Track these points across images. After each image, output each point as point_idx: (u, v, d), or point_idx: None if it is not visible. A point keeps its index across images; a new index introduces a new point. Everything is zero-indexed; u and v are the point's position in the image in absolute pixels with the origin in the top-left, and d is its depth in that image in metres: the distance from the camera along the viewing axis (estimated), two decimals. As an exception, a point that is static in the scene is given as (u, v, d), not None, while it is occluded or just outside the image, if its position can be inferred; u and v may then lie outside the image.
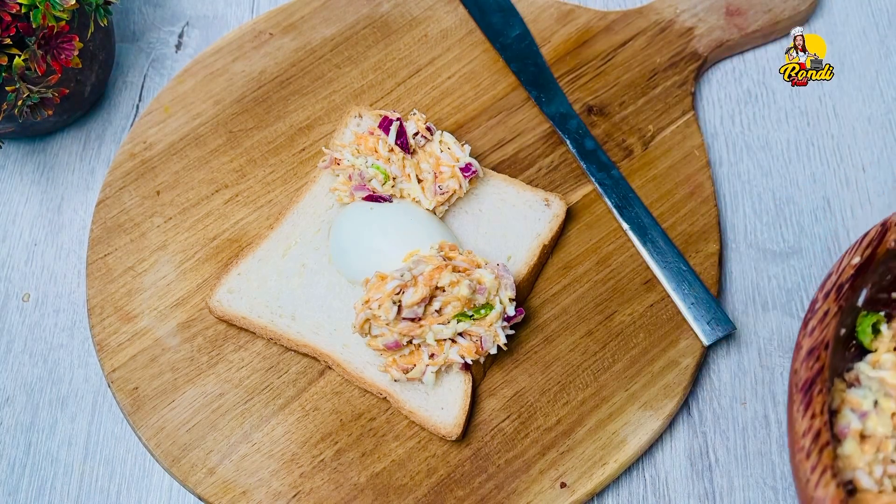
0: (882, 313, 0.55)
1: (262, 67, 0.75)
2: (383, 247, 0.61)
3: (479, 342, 0.59)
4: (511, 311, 0.60)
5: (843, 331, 0.52)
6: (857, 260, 0.51)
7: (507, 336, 0.61)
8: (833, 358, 0.50)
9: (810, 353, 0.49)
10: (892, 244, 0.52)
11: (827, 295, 0.51)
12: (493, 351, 0.60)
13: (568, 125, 0.70)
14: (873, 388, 0.52)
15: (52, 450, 0.64)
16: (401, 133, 0.66)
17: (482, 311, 0.60)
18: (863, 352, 0.55)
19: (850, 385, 0.53)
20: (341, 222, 0.64)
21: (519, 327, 0.63)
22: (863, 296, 0.53)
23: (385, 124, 0.66)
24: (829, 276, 0.51)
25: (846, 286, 0.51)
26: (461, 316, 0.59)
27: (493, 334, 0.60)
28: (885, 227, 0.52)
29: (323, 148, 0.69)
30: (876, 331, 0.54)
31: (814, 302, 0.51)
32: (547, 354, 0.63)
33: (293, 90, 0.74)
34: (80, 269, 0.70)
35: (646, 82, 0.73)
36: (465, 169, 0.65)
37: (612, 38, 0.75)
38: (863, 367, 0.53)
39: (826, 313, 0.50)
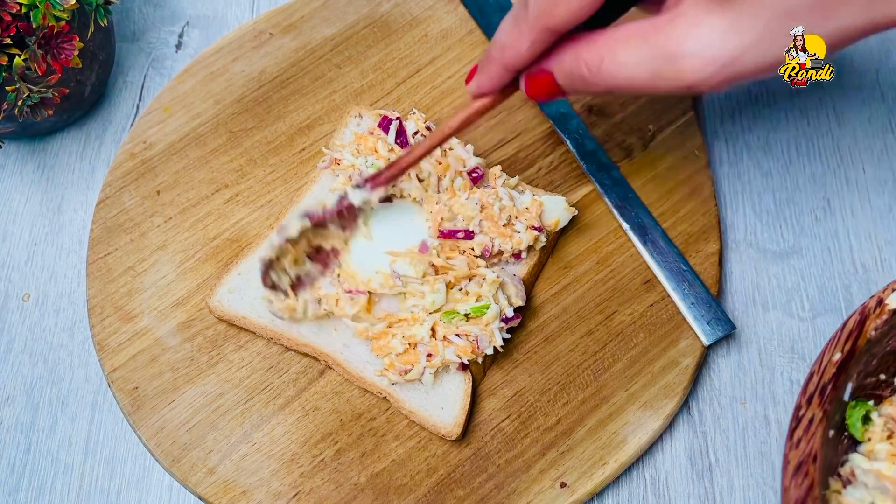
0: (871, 402, 0.52)
1: (262, 67, 0.75)
2: (382, 246, 0.61)
3: (475, 342, 0.59)
4: (510, 313, 0.60)
5: (831, 432, 0.49)
6: (837, 356, 0.48)
7: (506, 338, 0.61)
8: (825, 455, 0.48)
9: (798, 468, 0.46)
10: (873, 333, 0.49)
11: (810, 399, 0.47)
12: (489, 352, 0.60)
13: (568, 125, 0.70)
14: (870, 485, 0.49)
15: (52, 449, 0.64)
16: (400, 132, 0.66)
17: (479, 310, 0.60)
18: (855, 441, 0.52)
19: (845, 483, 0.50)
20: None
21: (519, 327, 0.63)
22: (848, 389, 0.50)
23: (385, 124, 0.66)
24: (811, 376, 0.48)
25: (829, 387, 0.47)
26: (454, 313, 0.60)
27: (489, 335, 0.60)
28: (863, 317, 0.49)
29: (323, 148, 0.69)
30: (867, 420, 0.51)
31: (797, 408, 0.48)
32: (547, 354, 0.63)
33: (293, 90, 0.74)
34: (81, 269, 0.70)
35: (646, 82, 0.73)
36: (472, 172, 0.65)
37: (612, 37, 0.75)
38: (857, 460, 0.50)
39: (811, 421, 0.47)
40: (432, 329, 0.60)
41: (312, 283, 0.61)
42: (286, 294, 0.60)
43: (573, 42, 0.48)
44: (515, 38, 0.48)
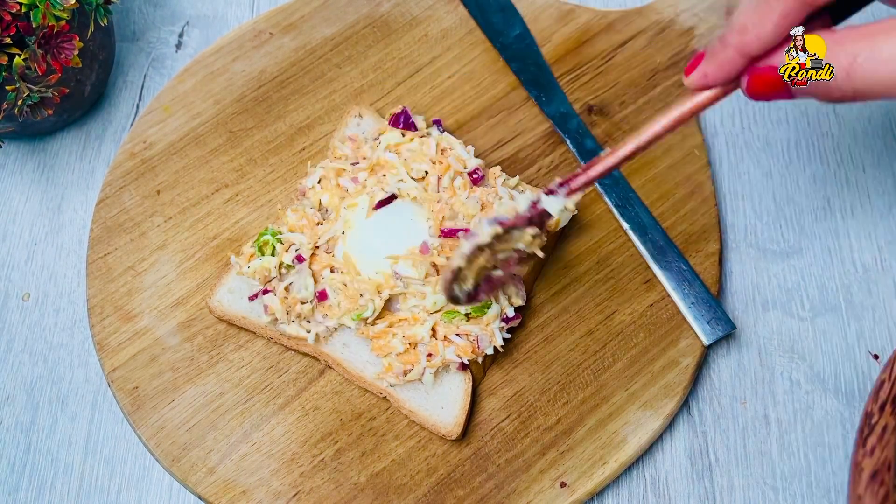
0: None
1: (263, 67, 0.75)
2: (383, 247, 0.61)
3: (475, 342, 0.59)
4: (510, 313, 0.60)
5: None
6: None
7: (506, 338, 0.61)
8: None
9: (874, 477, 0.44)
10: None
11: (882, 407, 0.45)
12: (490, 351, 0.60)
13: (568, 125, 0.70)
14: None
15: (52, 449, 0.64)
16: (407, 118, 0.67)
17: (480, 309, 0.60)
18: None
19: None
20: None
21: (519, 327, 0.63)
22: None
23: (395, 121, 0.67)
24: (881, 384, 0.45)
25: None
26: (455, 313, 0.60)
27: (489, 335, 0.60)
28: None
29: (301, 180, 0.68)
30: None
31: (868, 415, 0.46)
32: (547, 354, 0.63)
33: (293, 90, 0.74)
34: (81, 269, 0.70)
35: (646, 82, 0.73)
36: (472, 173, 0.65)
37: (612, 37, 0.75)
38: None
39: (885, 429, 0.45)
40: (433, 329, 0.60)
41: (492, 289, 0.56)
42: (463, 303, 0.56)
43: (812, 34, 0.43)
44: (760, 16, 0.42)
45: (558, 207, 0.53)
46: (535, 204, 0.53)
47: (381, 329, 0.60)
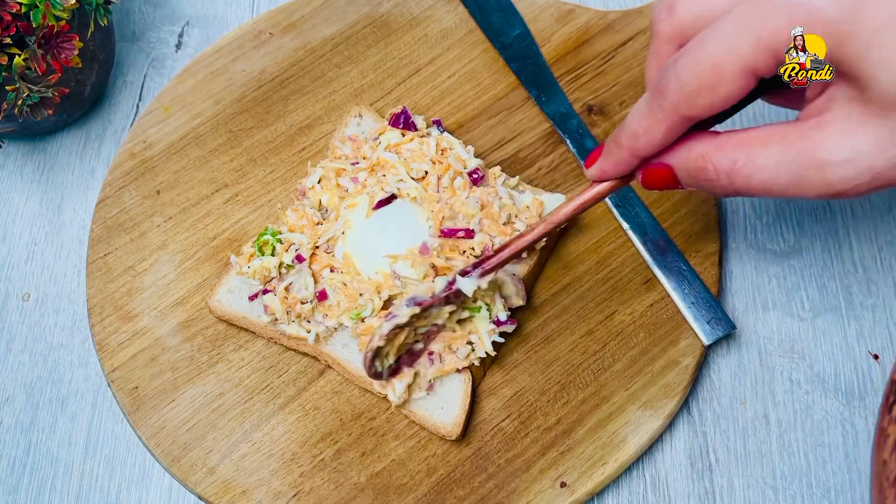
0: None
1: (263, 67, 0.75)
2: (383, 246, 0.61)
3: (460, 349, 0.60)
4: (502, 317, 0.60)
5: None
6: None
7: (499, 342, 0.61)
8: None
9: None
10: None
11: None
12: (482, 355, 0.60)
13: (568, 125, 0.70)
14: None
15: (52, 449, 0.64)
16: (406, 117, 0.67)
17: (475, 309, 0.60)
18: None
19: None
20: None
21: (519, 327, 0.63)
22: None
23: (395, 121, 0.67)
24: None
25: None
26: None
27: (479, 341, 0.60)
28: None
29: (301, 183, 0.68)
30: None
31: (893, 382, 0.46)
32: (547, 354, 0.63)
33: (293, 90, 0.74)
34: (80, 269, 0.70)
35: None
36: (472, 173, 0.65)
37: (612, 37, 0.75)
38: None
39: None
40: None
41: (413, 363, 0.60)
42: (385, 378, 0.59)
43: (697, 139, 0.46)
44: (649, 125, 0.46)
45: (472, 288, 0.57)
46: (450, 284, 0.57)
47: (368, 325, 0.60)
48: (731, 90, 0.42)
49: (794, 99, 0.48)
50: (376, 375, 0.58)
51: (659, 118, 0.45)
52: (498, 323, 0.60)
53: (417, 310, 0.57)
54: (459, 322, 0.60)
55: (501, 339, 0.61)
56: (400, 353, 0.59)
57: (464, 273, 0.57)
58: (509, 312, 0.61)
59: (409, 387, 0.60)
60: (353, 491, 0.59)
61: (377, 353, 0.57)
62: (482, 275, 0.57)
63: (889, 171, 0.41)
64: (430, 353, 0.60)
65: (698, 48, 0.43)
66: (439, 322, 0.59)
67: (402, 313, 0.56)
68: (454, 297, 0.58)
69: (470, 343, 0.60)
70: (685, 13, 0.46)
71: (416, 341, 0.59)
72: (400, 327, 0.57)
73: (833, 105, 0.42)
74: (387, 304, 0.61)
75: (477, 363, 0.60)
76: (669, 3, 0.47)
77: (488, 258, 0.57)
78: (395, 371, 0.59)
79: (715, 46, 0.42)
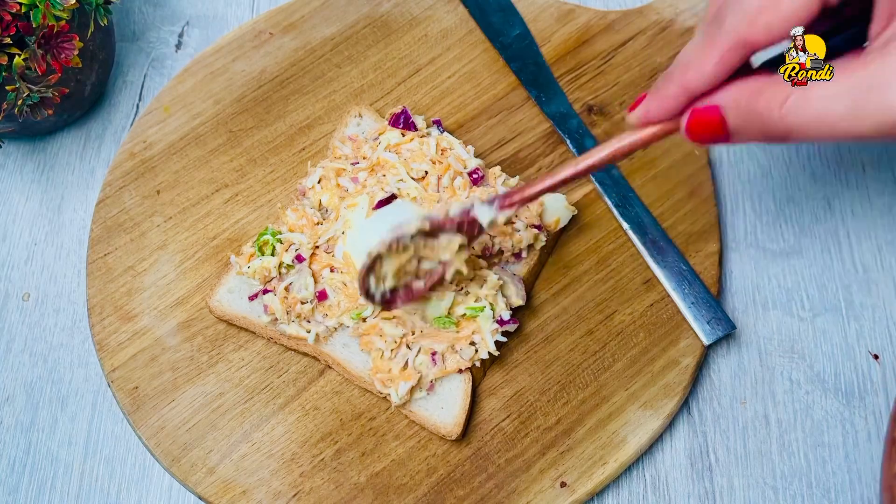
0: None
1: (263, 67, 0.75)
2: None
3: (463, 351, 0.60)
4: (505, 316, 0.60)
5: None
6: None
7: (501, 341, 0.61)
8: None
9: None
10: None
11: None
12: (484, 356, 0.60)
13: (568, 125, 0.70)
14: None
15: (52, 449, 0.64)
16: (406, 117, 0.67)
17: (477, 309, 0.60)
18: None
19: None
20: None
21: (519, 327, 0.63)
22: None
23: (395, 121, 0.67)
24: None
25: None
26: (446, 320, 0.60)
27: (481, 340, 0.60)
28: None
29: (299, 183, 0.68)
30: None
31: None
32: (547, 354, 0.63)
33: (293, 90, 0.74)
34: (81, 269, 0.70)
35: (646, 82, 0.73)
36: (472, 173, 0.65)
37: (612, 37, 0.75)
38: None
39: None
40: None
41: (410, 299, 0.56)
42: (376, 303, 0.56)
43: (750, 78, 0.44)
44: (702, 53, 0.43)
45: (488, 217, 0.53)
46: (467, 211, 0.53)
47: (370, 325, 0.60)
48: (794, 8, 0.41)
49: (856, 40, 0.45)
50: (368, 296, 0.55)
51: (715, 44, 0.43)
52: (501, 322, 0.60)
53: (427, 225, 0.53)
54: (464, 318, 0.60)
55: (504, 339, 0.61)
56: (398, 282, 0.55)
57: (486, 202, 0.53)
58: (511, 311, 0.61)
59: (412, 389, 0.60)
60: (353, 491, 0.59)
61: (374, 266, 0.53)
62: (502, 208, 0.53)
63: None
64: (434, 354, 0.60)
65: None
66: (445, 258, 0.55)
67: (412, 224, 0.53)
68: (468, 227, 0.53)
69: (473, 343, 0.60)
70: None
71: (417, 277, 0.56)
72: (405, 246, 0.53)
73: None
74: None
75: (478, 364, 0.60)
76: None
77: (511, 193, 0.53)
78: (387, 302, 0.56)
79: None
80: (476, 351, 0.60)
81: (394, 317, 0.60)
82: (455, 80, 0.74)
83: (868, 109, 0.39)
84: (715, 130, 0.45)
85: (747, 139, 0.45)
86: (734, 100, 0.43)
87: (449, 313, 0.60)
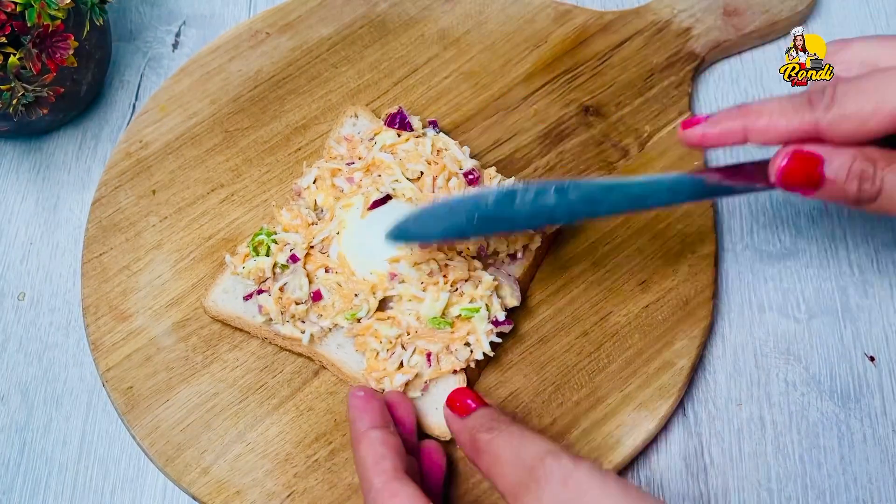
0: None
1: (259, 67, 0.74)
2: (377, 247, 0.61)
3: (458, 352, 0.60)
4: (501, 317, 0.60)
5: None
6: None
7: (496, 342, 0.61)
8: None
9: None
10: None
11: None
12: (479, 357, 0.60)
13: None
14: None
15: (46, 449, 0.64)
16: (402, 117, 0.67)
17: (471, 310, 0.59)
18: None
19: None
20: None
21: (514, 328, 0.63)
22: None
23: (391, 121, 0.67)
24: None
25: None
26: (442, 321, 0.59)
27: (476, 341, 0.60)
28: None
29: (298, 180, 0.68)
30: None
31: None
32: (542, 355, 0.63)
33: (289, 90, 0.74)
34: (76, 269, 0.70)
35: (643, 83, 0.73)
36: (468, 174, 0.64)
37: (609, 38, 0.75)
38: None
39: None
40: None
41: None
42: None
43: (858, 148, 0.46)
44: (782, 116, 0.47)
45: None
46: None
47: (365, 325, 0.60)
48: (877, 131, 0.45)
49: None
50: None
51: (795, 117, 0.46)
52: (496, 323, 0.60)
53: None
54: (459, 319, 0.60)
55: (499, 340, 0.61)
56: None
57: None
58: (507, 312, 0.61)
59: (407, 385, 0.59)
60: (347, 491, 0.59)
61: None
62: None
63: None
64: (429, 354, 0.60)
65: (871, 87, 0.45)
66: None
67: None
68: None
69: (468, 344, 0.60)
70: (858, 50, 0.49)
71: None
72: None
73: None
74: (382, 304, 0.61)
75: (473, 365, 0.60)
76: (844, 40, 0.50)
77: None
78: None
79: (886, 92, 0.44)
80: (471, 352, 0.60)
81: (388, 318, 0.60)
82: (451, 81, 0.74)
83: None
84: (812, 181, 0.47)
85: (832, 198, 0.48)
86: (837, 157, 0.46)
87: (444, 314, 0.60)
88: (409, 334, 0.60)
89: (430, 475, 0.57)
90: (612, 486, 0.45)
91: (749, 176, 0.50)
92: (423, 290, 0.60)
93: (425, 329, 0.60)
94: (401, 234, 0.58)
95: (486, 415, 0.53)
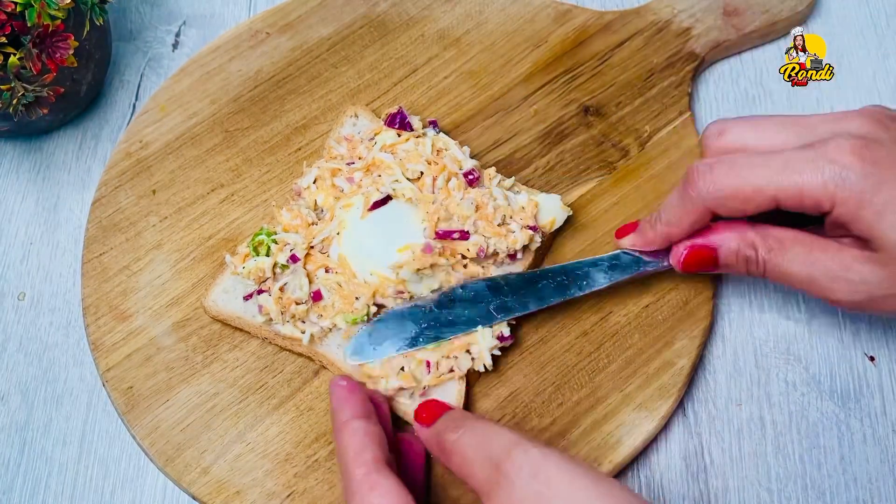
0: None
1: (259, 67, 0.74)
2: (377, 247, 0.61)
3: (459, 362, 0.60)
4: (506, 332, 0.61)
5: None
6: None
7: (500, 353, 0.61)
8: None
9: None
10: None
11: None
12: (480, 369, 0.60)
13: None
14: None
15: (46, 449, 0.64)
16: (402, 117, 0.67)
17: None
18: None
19: None
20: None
21: (514, 327, 0.63)
22: None
23: (391, 121, 0.67)
24: None
25: None
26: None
27: (479, 350, 0.60)
28: None
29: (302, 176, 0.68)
30: None
31: None
32: (542, 355, 0.63)
33: (289, 89, 0.73)
34: (76, 268, 0.70)
35: (643, 83, 0.73)
36: (468, 174, 0.65)
37: (609, 38, 0.75)
38: None
39: None
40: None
41: None
42: None
43: (736, 226, 0.55)
44: (679, 217, 0.56)
45: None
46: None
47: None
48: (758, 208, 0.53)
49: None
50: None
51: (688, 209, 0.55)
52: (501, 338, 0.60)
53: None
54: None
55: (500, 353, 0.61)
56: None
57: None
58: (513, 324, 0.61)
59: (401, 389, 0.59)
60: (347, 491, 0.59)
61: None
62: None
63: (882, 301, 0.51)
64: (428, 363, 0.60)
65: (746, 169, 0.52)
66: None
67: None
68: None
69: (468, 352, 0.60)
70: (733, 139, 0.56)
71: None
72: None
73: (848, 243, 0.53)
74: (381, 307, 0.61)
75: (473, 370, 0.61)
76: (720, 128, 0.57)
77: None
78: None
79: (761, 175, 0.52)
80: (472, 360, 0.60)
81: None
82: (451, 81, 0.74)
83: (819, 285, 0.53)
84: (708, 264, 0.57)
85: (735, 273, 0.57)
86: (726, 242, 0.56)
87: None
88: None
89: (411, 465, 0.57)
90: (582, 476, 0.46)
91: (657, 255, 0.61)
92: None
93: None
94: (358, 352, 0.60)
95: (451, 416, 0.54)
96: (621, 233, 0.62)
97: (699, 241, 0.57)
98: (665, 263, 0.60)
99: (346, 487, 0.50)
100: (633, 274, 0.61)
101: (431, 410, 0.55)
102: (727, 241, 0.55)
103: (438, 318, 0.60)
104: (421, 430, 0.55)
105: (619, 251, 0.62)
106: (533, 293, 0.61)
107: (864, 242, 0.51)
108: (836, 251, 0.52)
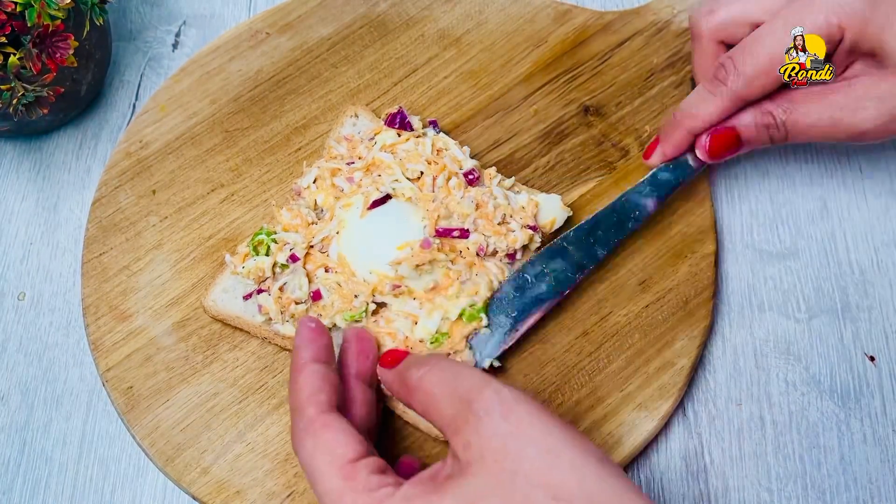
0: None
1: (259, 67, 0.74)
2: (377, 247, 0.61)
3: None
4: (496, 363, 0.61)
5: None
6: None
7: (500, 364, 0.61)
8: None
9: None
10: None
11: None
12: (485, 366, 0.60)
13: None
14: None
15: (46, 449, 0.64)
16: (402, 117, 0.67)
17: (472, 316, 0.60)
18: None
19: None
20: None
21: (514, 328, 0.63)
22: None
23: (391, 120, 0.67)
24: None
25: None
26: (444, 336, 0.60)
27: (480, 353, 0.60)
28: None
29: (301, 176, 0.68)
30: None
31: None
32: (542, 355, 0.63)
33: (289, 89, 0.74)
34: (76, 268, 0.70)
35: (643, 83, 0.73)
36: (468, 174, 0.65)
37: (609, 38, 0.75)
38: None
39: None
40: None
41: None
42: None
43: (754, 105, 0.59)
44: (710, 107, 0.59)
45: None
46: None
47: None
48: (778, 79, 0.56)
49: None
50: None
51: (718, 101, 0.59)
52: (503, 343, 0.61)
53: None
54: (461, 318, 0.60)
55: (499, 363, 0.61)
56: None
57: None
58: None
59: None
60: (347, 491, 0.59)
61: None
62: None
63: None
64: None
65: (755, 45, 0.57)
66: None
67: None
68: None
69: (470, 348, 0.60)
70: (724, 14, 0.60)
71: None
72: None
73: (857, 72, 0.57)
74: (380, 306, 0.61)
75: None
76: (709, 6, 0.60)
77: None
78: None
79: (769, 42, 0.56)
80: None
81: (388, 333, 0.61)
82: (451, 81, 0.74)
83: (844, 124, 0.56)
84: (732, 145, 0.61)
85: (759, 146, 0.61)
86: (744, 119, 0.59)
87: (438, 332, 0.60)
88: (407, 346, 0.60)
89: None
90: (551, 422, 0.45)
91: (686, 168, 0.64)
92: (420, 307, 0.60)
93: (419, 344, 0.60)
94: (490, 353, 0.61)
95: (416, 357, 0.54)
96: (648, 153, 0.65)
97: (720, 126, 0.60)
98: (693, 165, 0.63)
99: (296, 425, 0.50)
100: (674, 186, 0.64)
101: (396, 354, 0.55)
102: (744, 117, 0.59)
103: (522, 299, 0.62)
104: (384, 373, 0.55)
105: (652, 172, 0.65)
106: (597, 241, 0.63)
107: (876, 62, 0.55)
108: (848, 86, 0.56)
